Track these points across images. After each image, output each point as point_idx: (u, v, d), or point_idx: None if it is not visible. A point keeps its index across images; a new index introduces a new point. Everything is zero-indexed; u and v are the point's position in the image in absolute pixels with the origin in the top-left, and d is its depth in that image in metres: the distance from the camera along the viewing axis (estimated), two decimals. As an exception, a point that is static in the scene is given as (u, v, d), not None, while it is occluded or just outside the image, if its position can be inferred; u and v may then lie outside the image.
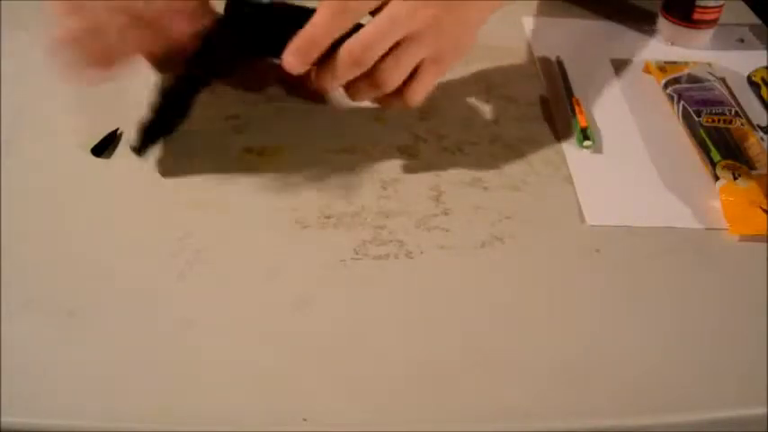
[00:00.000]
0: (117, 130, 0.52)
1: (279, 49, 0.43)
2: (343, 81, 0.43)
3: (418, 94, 0.45)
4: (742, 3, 0.71)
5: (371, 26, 0.41)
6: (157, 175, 0.48)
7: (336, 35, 0.41)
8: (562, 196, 0.48)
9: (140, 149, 0.48)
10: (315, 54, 0.42)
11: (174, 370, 0.37)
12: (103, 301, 0.40)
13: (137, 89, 0.55)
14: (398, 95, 0.45)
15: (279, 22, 0.43)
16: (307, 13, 0.42)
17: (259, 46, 0.45)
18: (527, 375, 0.37)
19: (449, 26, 0.43)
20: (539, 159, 0.51)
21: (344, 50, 0.42)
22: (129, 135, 0.51)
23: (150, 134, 0.48)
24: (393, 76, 0.43)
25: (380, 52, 0.42)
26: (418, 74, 0.44)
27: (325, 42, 0.41)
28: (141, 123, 0.47)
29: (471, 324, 0.40)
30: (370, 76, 0.43)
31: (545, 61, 0.61)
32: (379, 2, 0.41)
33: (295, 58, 0.42)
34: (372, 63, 0.42)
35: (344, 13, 0.41)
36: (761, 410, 0.36)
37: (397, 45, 0.42)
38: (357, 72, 0.42)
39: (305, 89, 0.51)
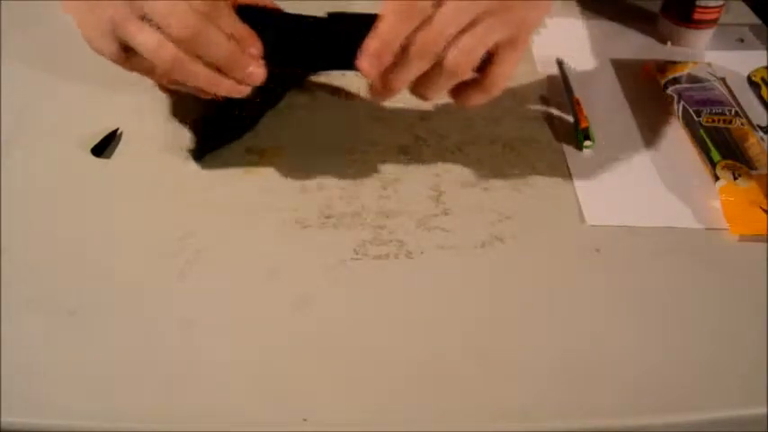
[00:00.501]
0: (117, 130, 0.52)
1: (348, 60, 0.43)
2: (415, 75, 0.42)
3: (500, 79, 0.44)
4: (742, 3, 0.71)
5: (439, 15, 0.41)
6: (157, 174, 0.48)
7: (406, 33, 0.41)
8: (562, 196, 0.48)
9: (199, 154, 0.49)
10: (389, 56, 0.41)
11: (174, 370, 0.37)
12: (103, 301, 0.40)
13: (136, 89, 0.55)
14: (476, 87, 0.44)
15: (345, 34, 0.43)
16: (367, 19, 0.42)
17: (328, 59, 0.45)
18: (527, 375, 0.37)
19: (517, 3, 0.42)
20: (539, 159, 0.51)
21: (414, 44, 0.41)
22: (129, 135, 0.51)
23: (212, 140, 0.49)
24: (466, 61, 0.42)
25: (450, 38, 0.41)
26: (496, 59, 0.43)
27: (397, 42, 0.41)
28: (201, 128, 0.48)
29: (471, 324, 0.40)
30: (442, 67, 0.42)
31: (545, 61, 0.61)
32: None
33: (371, 62, 0.41)
34: (442, 50, 0.41)
35: (411, 10, 0.40)
36: (761, 410, 0.36)
37: (466, 29, 0.41)
38: (429, 63, 0.42)
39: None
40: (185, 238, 0.44)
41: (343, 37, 0.43)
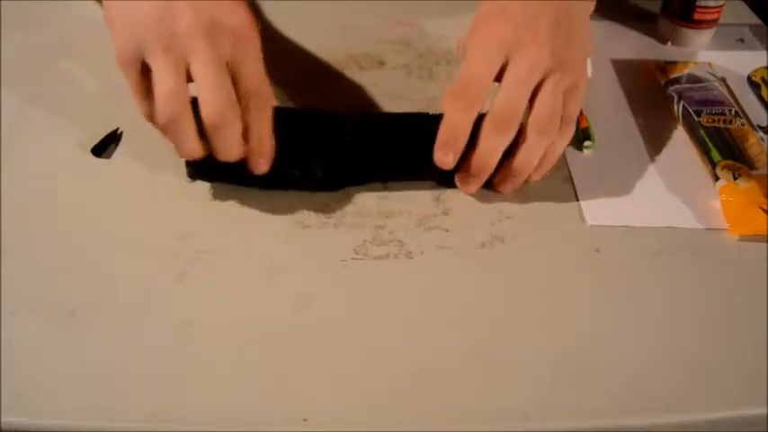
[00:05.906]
0: (117, 130, 0.52)
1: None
2: (499, 152, 0.43)
3: (572, 120, 0.44)
4: (742, 3, 0.71)
5: (505, 89, 0.42)
6: (157, 175, 0.48)
7: (473, 120, 0.42)
8: (562, 196, 0.48)
9: (191, 172, 0.47)
10: (462, 142, 0.43)
11: (174, 370, 0.37)
12: (103, 301, 0.40)
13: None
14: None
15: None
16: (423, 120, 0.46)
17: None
18: (527, 375, 0.37)
19: (566, 52, 0.43)
20: (539, 159, 0.50)
21: (490, 123, 0.42)
22: (129, 135, 0.51)
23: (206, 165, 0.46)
24: (554, 117, 0.42)
25: (524, 105, 0.42)
26: (567, 103, 0.43)
27: (467, 130, 0.42)
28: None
29: (471, 324, 0.40)
30: (530, 136, 0.43)
31: (545, 61, 0.61)
32: (495, 70, 0.42)
33: (445, 151, 0.43)
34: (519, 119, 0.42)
35: (471, 102, 0.42)
36: (761, 410, 0.36)
37: (536, 91, 0.42)
38: (510, 136, 0.42)
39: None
40: (185, 238, 0.44)
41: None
